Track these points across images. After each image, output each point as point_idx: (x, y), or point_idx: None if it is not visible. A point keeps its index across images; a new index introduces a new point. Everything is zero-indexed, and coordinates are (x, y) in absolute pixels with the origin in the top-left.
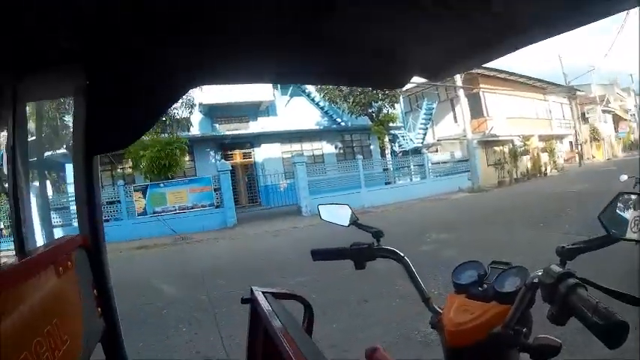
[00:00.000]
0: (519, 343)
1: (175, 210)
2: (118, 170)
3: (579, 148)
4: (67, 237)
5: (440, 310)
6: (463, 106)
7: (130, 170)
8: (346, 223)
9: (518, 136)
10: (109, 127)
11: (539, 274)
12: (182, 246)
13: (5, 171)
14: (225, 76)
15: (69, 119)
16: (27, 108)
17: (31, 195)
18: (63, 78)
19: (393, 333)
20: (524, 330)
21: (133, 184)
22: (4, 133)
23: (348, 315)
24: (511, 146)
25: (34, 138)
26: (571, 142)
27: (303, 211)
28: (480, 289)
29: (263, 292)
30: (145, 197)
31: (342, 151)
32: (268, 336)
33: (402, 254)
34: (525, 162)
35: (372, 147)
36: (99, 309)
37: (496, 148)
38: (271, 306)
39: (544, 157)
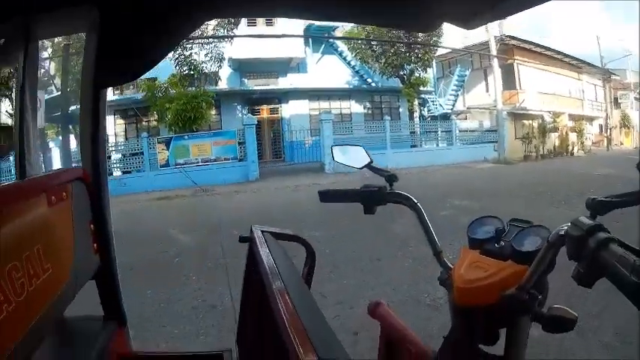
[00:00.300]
0: (533, 311)
1: (198, 162)
2: (143, 123)
3: (608, 133)
4: (67, 169)
5: (451, 266)
6: (496, 75)
7: (155, 123)
8: (360, 165)
9: (549, 112)
10: (120, 58)
11: (565, 227)
12: (202, 197)
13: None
14: (241, 7)
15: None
16: (39, 44)
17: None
18: (74, 12)
19: (402, 293)
20: (539, 297)
21: (157, 136)
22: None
23: (359, 272)
24: (540, 121)
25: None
26: (601, 126)
27: (327, 168)
28: (496, 245)
29: (263, 232)
30: (168, 149)
31: (370, 111)
32: (263, 279)
33: (415, 200)
34: (553, 139)
35: (400, 110)
36: (95, 245)
37: (525, 122)
38: (269, 247)
39: (572, 137)
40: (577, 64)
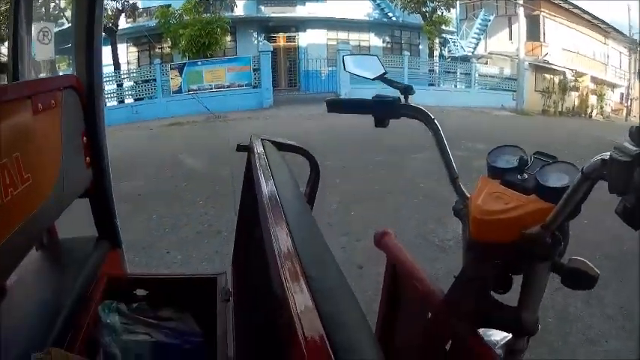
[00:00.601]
0: (554, 258)
1: (211, 88)
2: (156, 50)
3: (629, 103)
4: (58, 76)
5: (468, 194)
6: (521, 24)
7: (168, 50)
8: (373, 75)
9: (571, 70)
10: None
11: (604, 156)
12: (214, 123)
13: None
14: None
15: None
16: None
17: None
18: None
19: (411, 231)
20: (562, 243)
21: (170, 63)
22: None
23: (368, 206)
24: (562, 78)
25: None
26: (622, 94)
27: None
28: (519, 177)
29: (263, 140)
30: (181, 76)
31: (389, 45)
32: (259, 194)
33: (432, 116)
34: (573, 98)
35: (420, 47)
36: (87, 159)
37: (546, 76)
38: (268, 158)
39: (592, 100)
40: (605, 28)
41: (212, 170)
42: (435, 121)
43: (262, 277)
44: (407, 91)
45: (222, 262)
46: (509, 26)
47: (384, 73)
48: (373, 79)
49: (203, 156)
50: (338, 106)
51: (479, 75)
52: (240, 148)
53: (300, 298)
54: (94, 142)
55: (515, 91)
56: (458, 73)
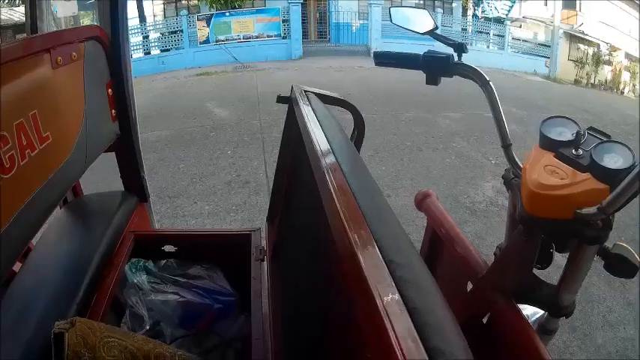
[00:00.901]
0: (603, 242)
1: (240, 39)
2: (183, 2)
3: None
4: (81, 27)
5: (520, 164)
6: None
7: (195, 2)
8: (422, 30)
9: (606, 43)
10: None
11: None
12: (242, 73)
13: None
14: None
15: None
16: None
17: None
18: None
19: (441, 191)
20: (611, 228)
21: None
22: None
23: (399, 161)
24: (596, 50)
25: None
26: None
27: (372, 53)
28: (573, 152)
29: (306, 92)
30: (208, 27)
31: (422, 2)
32: (306, 144)
33: (487, 78)
34: (605, 72)
35: (454, 5)
36: (113, 111)
37: (580, 46)
38: (313, 107)
39: (625, 76)
40: None
41: (241, 120)
42: (491, 83)
43: (312, 235)
44: (460, 48)
45: (251, 213)
46: None
47: (435, 28)
48: (423, 34)
49: (231, 106)
50: (387, 58)
51: (512, 38)
52: (281, 99)
53: (370, 262)
54: (120, 94)
55: (548, 57)
56: (491, 34)
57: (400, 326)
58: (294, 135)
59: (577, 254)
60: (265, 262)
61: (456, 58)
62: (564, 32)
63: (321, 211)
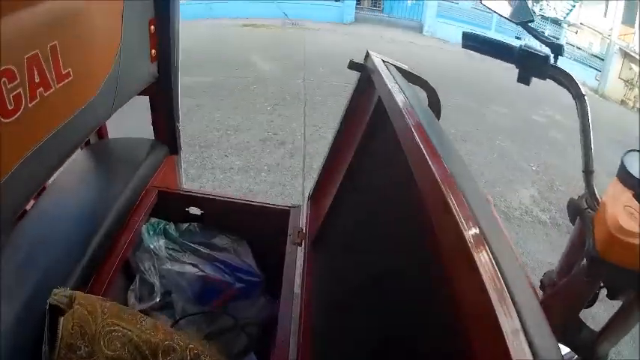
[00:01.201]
0: None
1: None
2: None
3: None
4: None
5: (599, 196)
6: (620, 4)
7: None
8: (517, 18)
9: None
10: None
11: None
12: (291, 30)
13: None
14: None
15: None
16: None
17: None
18: None
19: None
20: None
21: None
22: None
23: None
24: None
25: None
26: None
27: (425, 30)
28: None
29: (383, 60)
30: None
31: None
32: (389, 113)
33: (582, 90)
34: None
35: None
36: (152, 51)
37: (633, 67)
38: (397, 81)
39: None
40: None
41: (284, 77)
42: (586, 97)
43: (392, 227)
44: (558, 50)
45: (283, 176)
46: (607, 1)
47: (531, 21)
48: (517, 23)
49: (276, 61)
50: (477, 42)
51: (566, 42)
52: (354, 65)
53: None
54: (163, 34)
55: (600, 70)
56: (546, 33)
57: None
58: (368, 106)
59: (630, 306)
60: (302, 247)
61: (551, 60)
62: (620, 48)
63: (412, 197)
